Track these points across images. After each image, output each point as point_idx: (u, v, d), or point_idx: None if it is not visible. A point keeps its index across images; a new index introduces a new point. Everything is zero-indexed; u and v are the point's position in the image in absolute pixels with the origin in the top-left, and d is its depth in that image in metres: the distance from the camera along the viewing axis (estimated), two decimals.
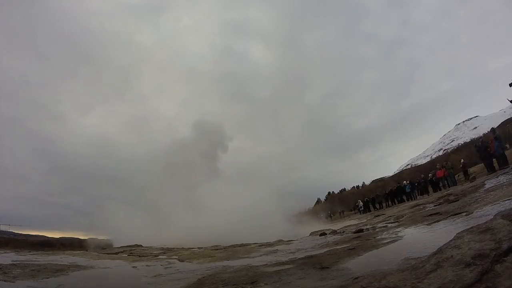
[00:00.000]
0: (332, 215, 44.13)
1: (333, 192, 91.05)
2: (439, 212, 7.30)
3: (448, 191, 14.53)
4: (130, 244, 15.22)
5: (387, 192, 28.78)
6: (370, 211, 29.86)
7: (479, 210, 5.46)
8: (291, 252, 7.34)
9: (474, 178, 14.68)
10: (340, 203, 60.27)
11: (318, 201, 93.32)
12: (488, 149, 14.66)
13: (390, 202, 27.31)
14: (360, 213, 31.20)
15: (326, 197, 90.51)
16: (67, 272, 6.23)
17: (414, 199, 22.72)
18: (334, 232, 10.67)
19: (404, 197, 25.13)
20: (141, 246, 15.19)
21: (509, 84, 8.76)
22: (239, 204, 23.84)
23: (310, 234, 12.46)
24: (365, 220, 15.90)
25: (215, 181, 29.99)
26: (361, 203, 33.06)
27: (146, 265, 6.97)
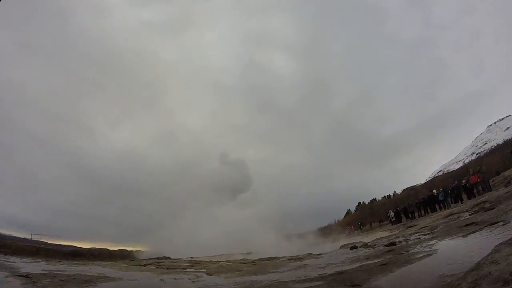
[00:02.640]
0: (362, 227, 43.02)
1: (363, 202, 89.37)
2: (474, 222, 7.01)
3: (483, 198, 13.91)
4: (159, 256, 15.38)
5: (418, 201, 27.96)
6: (402, 221, 29.06)
7: None
8: (321, 267, 7.19)
9: (509, 183, 14.09)
10: (370, 213, 59.01)
11: (348, 212, 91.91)
12: None
13: (422, 212, 26.45)
14: (392, 224, 30.40)
15: (356, 208, 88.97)
16: (95, 283, 6.27)
17: (448, 208, 21.95)
18: (365, 245, 10.41)
19: (437, 206, 24.29)
20: (169, 258, 15.35)
21: None
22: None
23: (340, 247, 12.22)
24: (397, 232, 15.44)
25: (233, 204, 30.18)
26: (392, 214, 32.22)
27: (174, 278, 6.90)
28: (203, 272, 8.00)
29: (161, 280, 6.91)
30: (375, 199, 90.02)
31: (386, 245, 8.70)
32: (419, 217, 25.11)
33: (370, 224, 46.03)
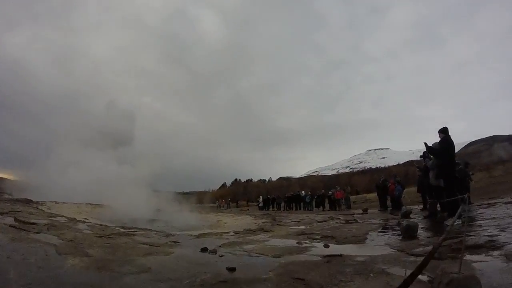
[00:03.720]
0: (231, 203, 44.50)
1: (239, 179, 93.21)
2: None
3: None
4: (20, 197, 13.52)
5: (287, 196, 30.01)
6: (268, 209, 30.88)
7: None
8: None
9: (366, 210, 15.79)
10: (244, 192, 61.91)
11: (224, 184, 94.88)
12: (386, 189, 16.08)
13: (288, 206, 28.42)
14: (259, 209, 32.05)
15: (232, 183, 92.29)
16: None
17: (311, 209, 24.13)
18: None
19: (302, 205, 26.36)
20: (31, 202, 13.50)
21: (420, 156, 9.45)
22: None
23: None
24: (261, 221, 15.90)
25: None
26: (261, 200, 34.04)
27: (22, 255, 5.05)
28: (54, 245, 6.52)
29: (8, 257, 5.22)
30: (251, 180, 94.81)
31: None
32: (285, 210, 26.89)
33: (237, 203, 47.85)
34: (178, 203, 25.95)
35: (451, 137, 7.61)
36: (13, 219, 7.48)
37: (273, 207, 31.23)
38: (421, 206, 12.79)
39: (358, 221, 10.44)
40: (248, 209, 33.64)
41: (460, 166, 10.82)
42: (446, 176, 7.39)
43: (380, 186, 16.92)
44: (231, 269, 3.66)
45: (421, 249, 4.42)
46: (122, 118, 33.64)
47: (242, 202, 47.40)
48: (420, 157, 9.28)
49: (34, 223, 7.09)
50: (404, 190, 15.79)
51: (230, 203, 44.16)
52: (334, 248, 5.27)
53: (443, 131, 7.55)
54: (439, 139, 7.67)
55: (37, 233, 5.87)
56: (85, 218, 12.66)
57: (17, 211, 9.06)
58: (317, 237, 6.85)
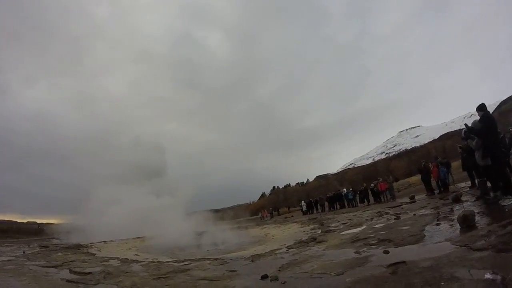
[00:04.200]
0: (274, 211, 44.20)
1: (278, 187, 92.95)
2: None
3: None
4: (69, 241, 14.09)
5: (328, 195, 29.61)
6: (313, 212, 30.73)
7: None
8: None
9: (413, 197, 15.28)
10: (284, 199, 61.63)
11: (263, 195, 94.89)
12: (429, 173, 15.60)
13: (332, 207, 27.99)
14: (303, 214, 31.88)
15: (271, 192, 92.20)
16: None
17: (356, 206, 23.72)
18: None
19: (346, 203, 25.92)
20: (80, 247, 13.96)
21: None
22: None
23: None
24: (308, 228, 15.71)
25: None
26: (304, 205, 33.86)
27: None
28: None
29: None
30: (289, 185, 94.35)
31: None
32: (329, 211, 26.49)
33: (278, 211, 47.44)
34: (220, 221, 26.32)
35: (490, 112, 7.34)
36: (68, 271, 7.73)
37: (316, 209, 30.96)
38: (469, 183, 12.34)
39: (409, 213, 10.19)
40: (292, 216, 33.46)
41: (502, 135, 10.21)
42: (492, 154, 7.09)
43: (423, 170, 16.47)
44: None
45: (483, 241, 4.27)
46: (151, 150, 34.69)
47: (284, 209, 47.06)
48: (462, 138, 8.92)
49: (89, 273, 7.28)
50: (450, 169, 15.13)
51: (273, 212, 43.92)
52: (395, 254, 5.13)
53: (481, 108, 7.18)
54: (478, 117, 7.36)
55: (96, 284, 6.02)
56: (136, 255, 13.00)
57: (70, 261, 9.38)
58: (373, 242, 6.70)
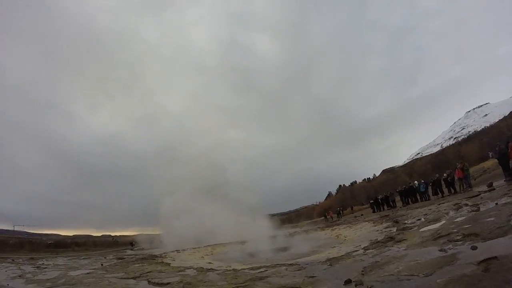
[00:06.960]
0: (342, 211, 43.23)
1: (344, 185, 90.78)
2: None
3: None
4: (143, 248, 14.97)
5: (399, 190, 28.57)
6: (383, 209, 29.86)
7: None
8: None
9: (491, 184, 14.38)
10: (351, 196, 60.18)
11: (330, 194, 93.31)
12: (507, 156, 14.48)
13: (404, 202, 26.97)
14: (374, 211, 31.13)
15: (337, 191, 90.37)
16: None
17: (428, 199, 22.62)
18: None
19: (418, 197, 24.88)
20: (155, 257, 14.77)
21: None
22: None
23: None
24: (381, 226, 15.33)
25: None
26: (373, 201, 33.12)
27: None
28: None
29: None
30: (355, 182, 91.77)
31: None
32: (402, 207, 25.55)
33: (351, 208, 46.66)
34: (288, 224, 26.56)
35: None
36: (147, 282, 8.24)
37: (388, 205, 29.98)
38: None
39: (490, 203, 9.61)
40: (362, 215, 32.78)
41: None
42: None
43: (500, 153, 15.39)
44: None
45: None
46: (215, 161, 35.98)
47: (355, 207, 45.92)
48: None
49: (168, 283, 7.69)
50: None
51: (341, 211, 42.99)
52: (484, 249, 4.87)
53: None
54: None
55: None
56: (209, 263, 13.50)
57: (148, 272, 10.07)
58: (457, 237, 6.44)
